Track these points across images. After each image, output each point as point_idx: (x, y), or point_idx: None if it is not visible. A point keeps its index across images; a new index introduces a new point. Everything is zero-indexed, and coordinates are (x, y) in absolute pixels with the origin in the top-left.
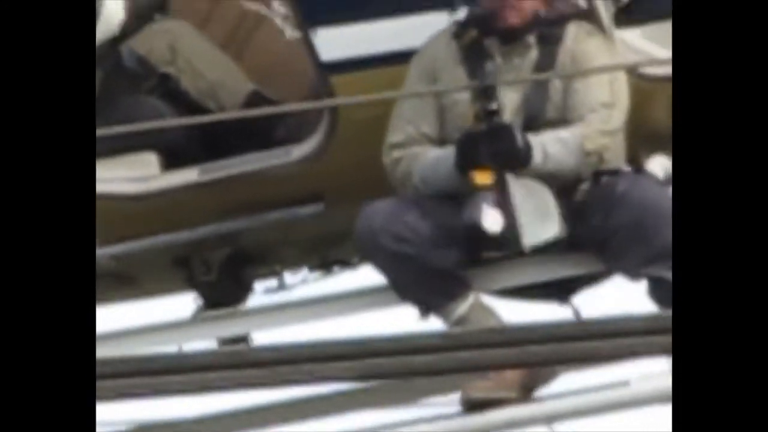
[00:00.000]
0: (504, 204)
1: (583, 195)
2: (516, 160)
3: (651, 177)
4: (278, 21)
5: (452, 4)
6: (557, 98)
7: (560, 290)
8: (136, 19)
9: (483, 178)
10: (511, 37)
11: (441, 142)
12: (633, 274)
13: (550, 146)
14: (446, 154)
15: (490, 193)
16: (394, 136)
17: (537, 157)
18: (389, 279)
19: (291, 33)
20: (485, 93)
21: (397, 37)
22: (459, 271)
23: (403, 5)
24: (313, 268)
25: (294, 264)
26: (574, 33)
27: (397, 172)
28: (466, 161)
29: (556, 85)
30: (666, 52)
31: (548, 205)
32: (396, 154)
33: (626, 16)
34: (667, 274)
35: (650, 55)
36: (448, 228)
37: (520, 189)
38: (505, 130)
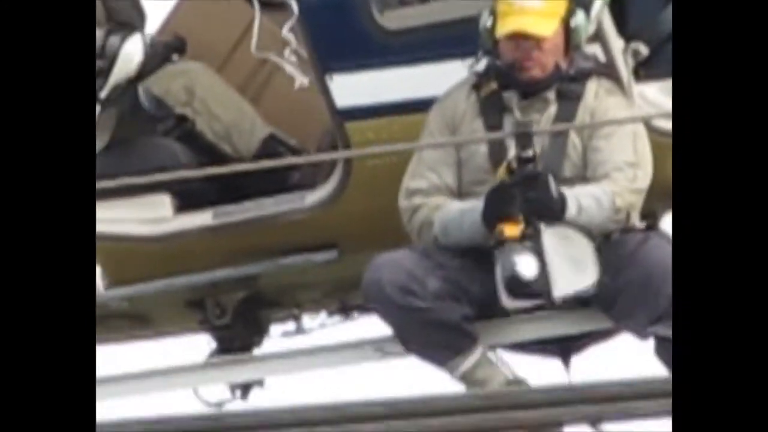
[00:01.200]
0: (537, 252)
1: None
2: (551, 210)
3: (662, 235)
4: (289, 68)
5: (472, 54)
6: (575, 156)
7: (565, 347)
8: (154, 59)
9: (511, 231)
10: (531, 92)
11: (459, 194)
12: (640, 332)
13: (583, 200)
14: (472, 207)
15: (522, 242)
16: (415, 181)
17: (571, 209)
18: (395, 331)
19: (303, 80)
20: (520, 141)
21: (414, 85)
22: (466, 325)
23: (422, 53)
24: (332, 312)
25: (312, 308)
26: (594, 90)
27: (415, 219)
28: (495, 213)
29: (574, 143)
30: None
31: (585, 254)
32: (417, 200)
33: (645, 71)
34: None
35: (667, 110)
36: (457, 282)
37: (553, 238)
38: (541, 179)
